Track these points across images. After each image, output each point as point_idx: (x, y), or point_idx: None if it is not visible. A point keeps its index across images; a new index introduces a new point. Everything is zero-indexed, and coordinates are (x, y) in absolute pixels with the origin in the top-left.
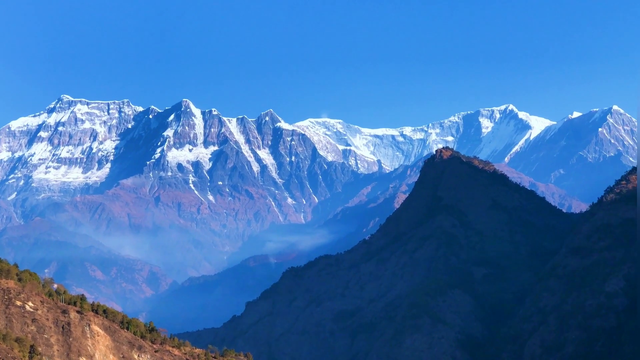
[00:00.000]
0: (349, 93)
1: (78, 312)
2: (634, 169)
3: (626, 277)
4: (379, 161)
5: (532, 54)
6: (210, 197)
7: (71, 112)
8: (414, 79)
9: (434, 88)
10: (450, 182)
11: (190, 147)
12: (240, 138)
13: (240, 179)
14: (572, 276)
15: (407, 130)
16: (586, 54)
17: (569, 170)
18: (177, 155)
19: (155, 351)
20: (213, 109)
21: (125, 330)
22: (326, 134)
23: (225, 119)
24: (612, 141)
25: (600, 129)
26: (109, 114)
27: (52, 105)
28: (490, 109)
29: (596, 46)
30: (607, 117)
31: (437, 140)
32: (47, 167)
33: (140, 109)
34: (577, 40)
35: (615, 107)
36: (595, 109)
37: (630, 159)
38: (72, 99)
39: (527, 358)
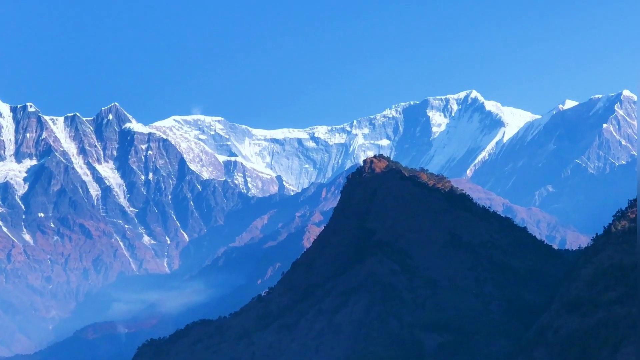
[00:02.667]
0: (231, 79)
1: None
2: None
3: None
4: (279, 178)
5: (502, 17)
6: (27, 237)
7: None
8: (327, 55)
9: (359, 68)
10: (387, 208)
11: None
12: (70, 146)
13: (71, 209)
14: (569, 343)
15: (321, 131)
16: (581, 16)
17: (560, 186)
18: None
19: None
20: (29, 104)
21: None
22: (200, 139)
23: (47, 118)
24: (624, 142)
25: (605, 125)
26: None
27: None
28: (443, 97)
29: (596, 4)
30: (615, 108)
31: (365, 145)
32: None
33: None
34: None
35: (626, 92)
36: (597, 96)
37: None
38: None
39: None
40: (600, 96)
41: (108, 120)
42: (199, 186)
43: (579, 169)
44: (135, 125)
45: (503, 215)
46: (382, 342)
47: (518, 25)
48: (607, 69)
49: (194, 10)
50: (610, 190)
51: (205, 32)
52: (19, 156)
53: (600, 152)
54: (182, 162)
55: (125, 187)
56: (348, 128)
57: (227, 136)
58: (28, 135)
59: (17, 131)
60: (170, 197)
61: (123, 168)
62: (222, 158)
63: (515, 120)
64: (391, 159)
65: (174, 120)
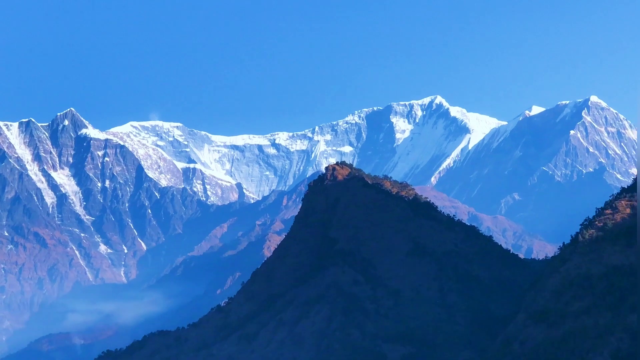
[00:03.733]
0: (190, 84)
1: None
2: (624, 189)
3: (615, 353)
4: (239, 185)
5: (467, 21)
6: None
7: None
8: (288, 59)
9: (321, 73)
10: (349, 216)
11: None
12: (25, 153)
13: (25, 217)
14: (536, 355)
15: (282, 138)
16: (547, 21)
17: (527, 194)
18: None
19: None
20: None
21: None
22: (158, 145)
23: (0, 124)
24: (591, 149)
25: (572, 132)
26: None
27: None
28: (407, 103)
29: (564, 6)
30: (583, 114)
31: (327, 151)
32: None
33: None
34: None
35: (594, 98)
36: (564, 102)
37: (618, 175)
38: None
39: None
40: (567, 102)
41: (64, 126)
42: (157, 194)
43: (546, 176)
44: (91, 131)
45: (468, 224)
46: (344, 354)
47: (483, 30)
48: (575, 74)
49: (151, 15)
50: (577, 198)
51: (162, 36)
52: None
53: (567, 160)
54: (139, 169)
55: (81, 195)
56: (310, 134)
57: (185, 142)
58: None
59: None
60: (127, 204)
61: (79, 175)
62: (180, 165)
63: (480, 126)
64: (354, 166)
65: (132, 126)
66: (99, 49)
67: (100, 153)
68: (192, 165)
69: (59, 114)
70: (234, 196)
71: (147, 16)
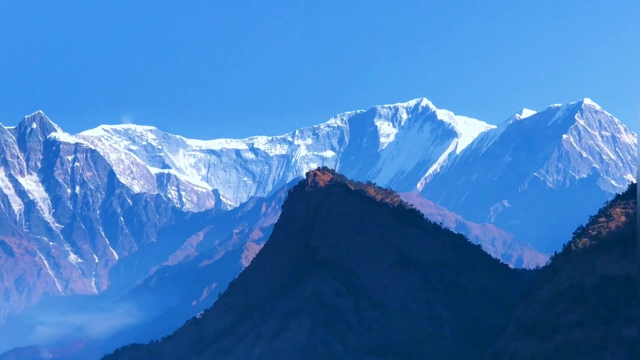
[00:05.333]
0: (165, 86)
1: None
2: (619, 196)
3: None
4: (215, 192)
5: (454, 21)
6: None
7: None
8: (267, 60)
9: (302, 74)
10: (331, 224)
11: None
12: None
13: None
14: None
15: (261, 142)
16: (539, 21)
17: (517, 201)
18: None
19: None
20: None
21: None
22: (130, 150)
23: None
24: (585, 154)
25: (565, 136)
26: None
27: None
28: (392, 105)
29: (556, 6)
30: (576, 118)
31: (308, 156)
32: None
33: None
34: None
35: (587, 101)
36: (556, 105)
37: (612, 181)
38: None
39: None
40: (559, 105)
41: (32, 129)
42: (129, 200)
43: (537, 182)
44: (61, 135)
45: (456, 232)
46: None
47: (472, 30)
48: (568, 76)
49: (123, 13)
50: (570, 205)
51: (135, 36)
52: None
53: (559, 165)
54: (111, 174)
55: (50, 202)
56: (290, 138)
57: (159, 147)
58: None
59: None
60: (98, 212)
61: (48, 181)
62: (154, 170)
63: (469, 130)
64: (336, 171)
65: (103, 129)
66: (68, 49)
67: (70, 158)
68: (166, 171)
69: (26, 116)
70: (210, 203)
71: (118, 16)
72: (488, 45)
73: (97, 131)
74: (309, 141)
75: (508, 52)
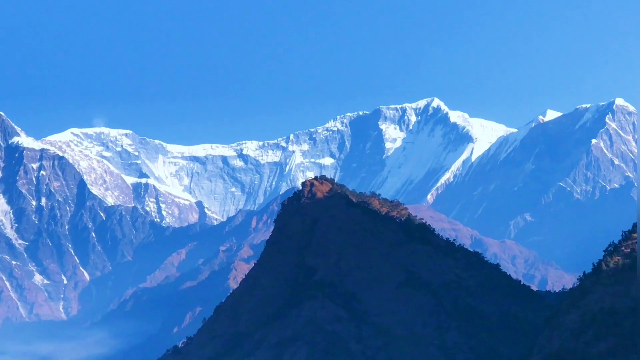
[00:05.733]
0: (141, 85)
1: None
2: None
3: None
4: (199, 204)
5: (469, 11)
6: None
7: None
8: (257, 55)
9: (297, 71)
10: (330, 241)
11: None
12: None
13: None
14: None
15: (251, 147)
16: (565, 13)
17: (540, 215)
18: None
19: None
20: None
21: None
22: (103, 156)
23: None
24: (616, 161)
25: (594, 141)
26: None
27: None
28: (398, 106)
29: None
30: (607, 120)
31: (304, 164)
32: None
33: None
34: None
35: (619, 101)
36: (584, 106)
37: None
38: None
39: None
40: (588, 106)
41: None
42: (102, 214)
43: (563, 193)
44: (24, 140)
45: (471, 250)
46: None
47: (488, 21)
48: (597, 74)
49: (93, 6)
50: (600, 219)
51: (107, 29)
52: None
53: (588, 174)
54: (81, 184)
55: (12, 215)
56: (283, 144)
57: (136, 153)
58: None
59: None
60: (67, 227)
61: (10, 192)
62: (130, 180)
63: (485, 134)
64: (336, 181)
65: (72, 133)
66: (32, 43)
67: (34, 166)
68: (143, 180)
69: None
70: (193, 217)
71: (89, 8)
72: (507, 38)
73: (65, 135)
74: (305, 147)
75: (530, 46)
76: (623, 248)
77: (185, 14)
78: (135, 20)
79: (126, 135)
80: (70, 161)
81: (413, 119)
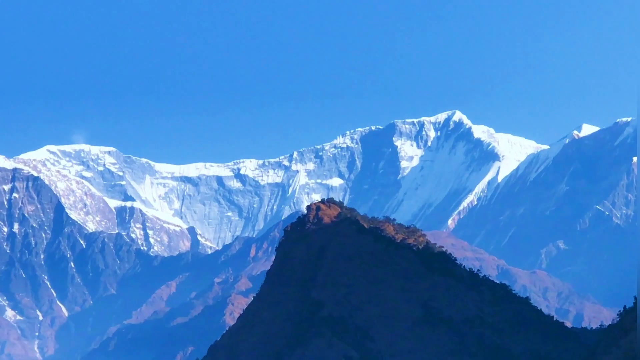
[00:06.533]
0: (126, 98)
1: None
2: None
3: None
4: (192, 230)
5: (495, 14)
6: None
7: None
8: (257, 64)
9: (303, 82)
10: (339, 272)
11: None
12: None
13: None
14: None
15: (249, 167)
16: (602, 15)
17: (575, 242)
18: None
19: None
20: None
21: None
22: (84, 177)
23: None
24: None
25: (635, 159)
26: None
27: None
28: (416, 120)
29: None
30: None
31: (310, 185)
32: None
33: None
34: None
35: None
36: (624, 119)
37: None
38: None
39: None
40: (629, 119)
41: None
42: (82, 241)
43: (601, 218)
44: None
45: (497, 282)
46: None
47: (518, 26)
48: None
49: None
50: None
51: (89, 33)
52: None
53: (629, 196)
54: (59, 208)
55: None
56: (286, 163)
57: (120, 173)
58: None
59: None
60: (43, 256)
61: None
62: (114, 203)
63: (513, 151)
64: (345, 204)
65: (48, 151)
66: (5, 53)
67: (6, 187)
68: (129, 204)
69: None
70: (185, 245)
71: (67, 12)
72: (537, 43)
73: (41, 153)
74: (311, 166)
75: (563, 52)
76: None
77: (177, 18)
78: (118, 24)
79: (109, 153)
80: (47, 182)
81: (432, 134)
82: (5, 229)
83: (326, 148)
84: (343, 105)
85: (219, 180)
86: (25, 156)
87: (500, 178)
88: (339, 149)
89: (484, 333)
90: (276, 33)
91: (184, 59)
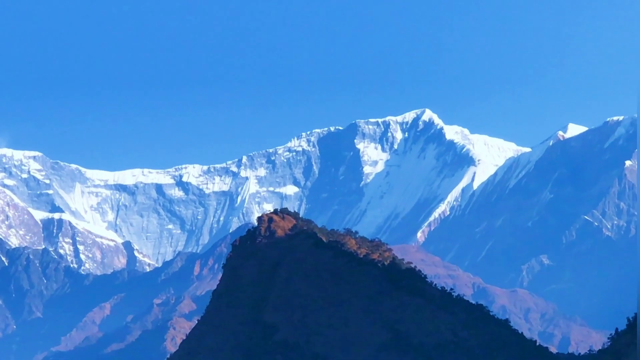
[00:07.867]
0: (53, 98)
1: None
2: None
3: None
4: (128, 245)
5: (471, 3)
6: None
7: None
8: (202, 60)
9: (254, 79)
10: (294, 292)
11: None
12: None
13: None
14: None
15: (193, 173)
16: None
17: (561, 257)
18: None
19: None
20: None
21: None
22: (6, 185)
23: None
24: None
25: (628, 163)
26: None
27: None
28: (380, 120)
29: None
30: None
31: (261, 194)
32: None
33: None
34: None
35: None
36: (615, 118)
37: None
38: None
39: None
40: (620, 118)
41: None
42: (4, 258)
43: (590, 229)
44: None
45: (473, 302)
46: None
47: (493, 15)
48: (630, 79)
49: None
50: (635, 262)
51: (10, 32)
52: None
53: (621, 204)
54: None
55: None
56: (234, 168)
57: (47, 181)
58: None
59: None
60: None
61: None
62: (39, 215)
63: (491, 155)
64: (301, 215)
65: None
66: None
67: None
68: (57, 215)
69: None
70: (120, 261)
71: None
72: (516, 35)
73: None
74: (262, 172)
75: (547, 48)
76: None
77: (107, 13)
78: (42, 19)
79: (34, 158)
80: None
81: (398, 136)
82: None
83: (279, 152)
84: (298, 103)
85: (159, 188)
86: None
87: (475, 185)
88: (294, 153)
89: (459, 359)
90: (223, 27)
91: (117, 52)
